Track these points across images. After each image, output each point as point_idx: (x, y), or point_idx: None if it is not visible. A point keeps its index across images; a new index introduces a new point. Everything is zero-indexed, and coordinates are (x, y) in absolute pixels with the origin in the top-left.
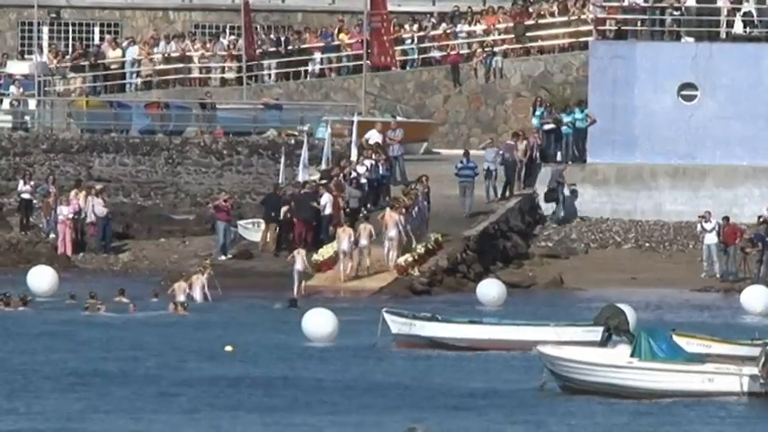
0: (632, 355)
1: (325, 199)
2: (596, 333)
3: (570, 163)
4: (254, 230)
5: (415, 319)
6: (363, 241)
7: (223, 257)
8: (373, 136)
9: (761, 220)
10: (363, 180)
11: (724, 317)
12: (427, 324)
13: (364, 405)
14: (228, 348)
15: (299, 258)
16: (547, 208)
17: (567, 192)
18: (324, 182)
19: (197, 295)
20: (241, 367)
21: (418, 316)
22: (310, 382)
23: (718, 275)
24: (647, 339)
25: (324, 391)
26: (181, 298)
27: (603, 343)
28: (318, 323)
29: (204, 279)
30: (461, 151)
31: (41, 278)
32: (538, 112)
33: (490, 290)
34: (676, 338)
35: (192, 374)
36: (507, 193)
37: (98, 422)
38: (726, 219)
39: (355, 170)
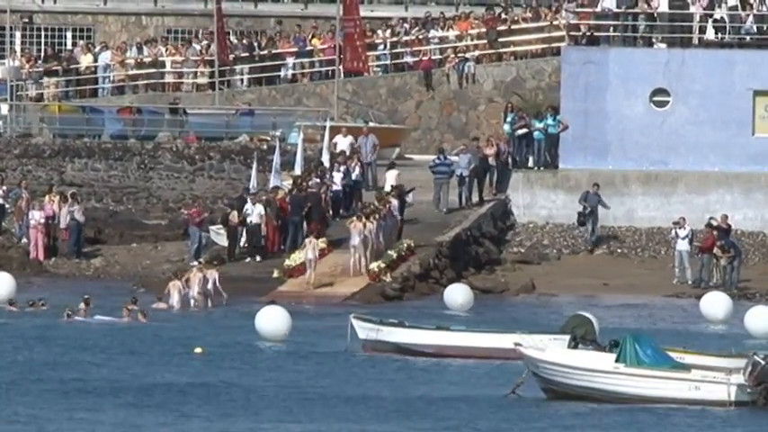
0: (617, 361)
1: (250, 208)
2: (563, 342)
3: (542, 168)
4: (223, 236)
5: (382, 325)
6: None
7: (195, 262)
8: (340, 141)
9: (713, 224)
10: (337, 187)
11: (685, 324)
12: (394, 330)
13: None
14: (198, 350)
15: (311, 247)
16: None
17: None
18: (254, 193)
19: (194, 291)
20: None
21: (386, 322)
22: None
23: (690, 282)
24: (633, 345)
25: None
26: (175, 298)
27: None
28: (271, 321)
29: (214, 275)
30: (434, 157)
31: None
32: (509, 118)
33: (458, 295)
34: None
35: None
36: (477, 198)
37: None
38: (709, 226)
39: (332, 179)
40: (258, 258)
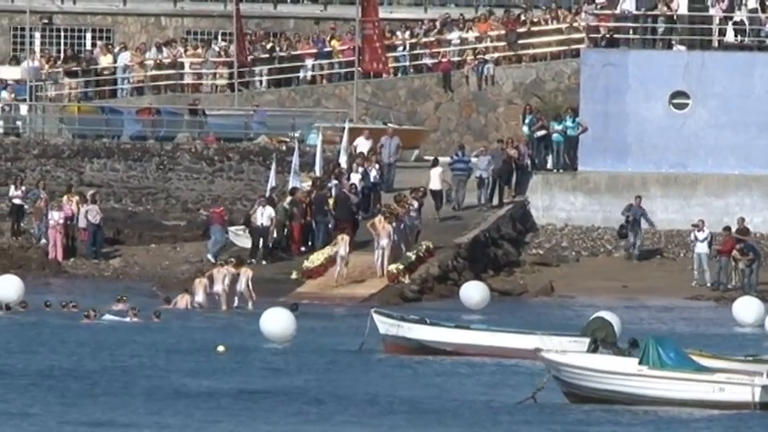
0: (640, 363)
1: (260, 211)
2: (583, 344)
3: (561, 170)
4: (244, 236)
5: (403, 321)
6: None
7: (212, 260)
8: (361, 143)
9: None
10: (346, 189)
11: (715, 328)
12: (415, 327)
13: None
14: (220, 348)
15: (343, 244)
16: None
17: (645, 224)
18: (283, 192)
19: (218, 288)
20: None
21: (407, 318)
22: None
23: (708, 284)
24: (656, 348)
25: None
26: (201, 295)
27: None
28: (276, 322)
29: (249, 274)
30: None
31: (8, 287)
32: (527, 120)
33: (474, 292)
34: None
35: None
36: (497, 199)
37: None
38: (727, 228)
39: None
40: (263, 262)
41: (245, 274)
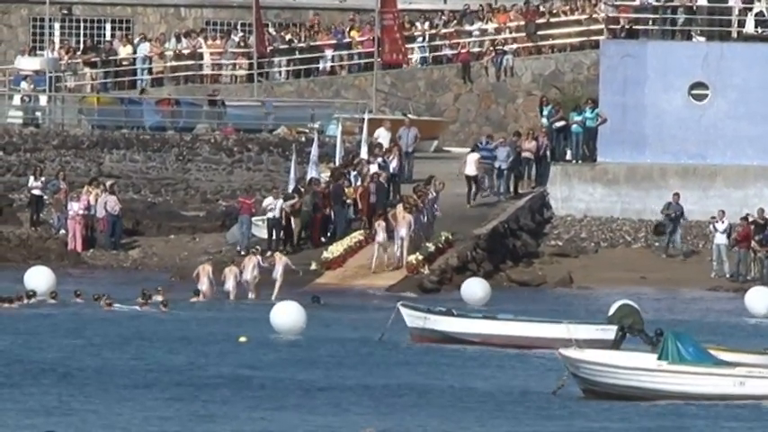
0: (659, 358)
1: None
2: (610, 332)
3: (580, 162)
4: (263, 227)
5: (429, 313)
6: (379, 237)
7: (242, 251)
8: (382, 134)
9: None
10: (382, 178)
11: (728, 317)
12: (441, 318)
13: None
14: (242, 339)
15: (381, 231)
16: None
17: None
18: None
19: (248, 276)
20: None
21: (433, 310)
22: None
23: (727, 275)
24: (675, 342)
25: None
26: (231, 283)
27: (617, 342)
28: (286, 315)
29: (284, 260)
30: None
31: (39, 278)
32: (546, 111)
33: (476, 289)
34: None
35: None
36: (516, 190)
37: None
38: (745, 219)
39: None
40: (269, 253)
41: (281, 260)
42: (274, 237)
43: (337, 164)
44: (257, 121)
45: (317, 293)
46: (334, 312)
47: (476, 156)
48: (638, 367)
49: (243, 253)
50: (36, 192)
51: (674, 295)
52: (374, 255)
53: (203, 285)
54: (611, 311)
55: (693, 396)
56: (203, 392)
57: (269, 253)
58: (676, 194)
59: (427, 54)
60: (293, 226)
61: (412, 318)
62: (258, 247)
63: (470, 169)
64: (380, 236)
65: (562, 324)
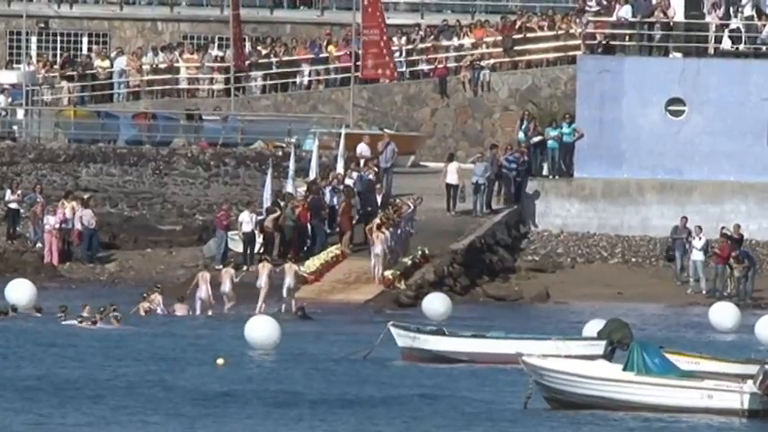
0: (625, 369)
1: (245, 217)
2: (599, 347)
3: (556, 177)
4: (240, 241)
5: (419, 333)
6: (377, 249)
7: (219, 266)
8: (364, 150)
9: (727, 234)
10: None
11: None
12: (430, 338)
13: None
14: (220, 361)
15: (379, 241)
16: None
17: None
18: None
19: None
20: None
21: (422, 329)
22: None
23: (704, 291)
24: (641, 353)
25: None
26: (228, 285)
27: (607, 357)
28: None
29: (294, 268)
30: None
31: (20, 291)
32: (524, 126)
33: (437, 305)
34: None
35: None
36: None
37: None
38: (724, 235)
39: (342, 182)
40: (245, 267)
41: (265, 269)
42: (249, 251)
43: (311, 178)
44: (229, 135)
45: (303, 306)
46: (316, 326)
47: (456, 164)
48: (601, 377)
49: (218, 267)
50: (13, 205)
51: (649, 311)
52: (373, 265)
53: (202, 293)
54: (585, 329)
55: (659, 408)
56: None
57: (245, 267)
58: (684, 218)
59: (404, 69)
60: (276, 239)
61: (402, 337)
62: (231, 260)
63: (451, 178)
64: (378, 248)
65: (551, 341)
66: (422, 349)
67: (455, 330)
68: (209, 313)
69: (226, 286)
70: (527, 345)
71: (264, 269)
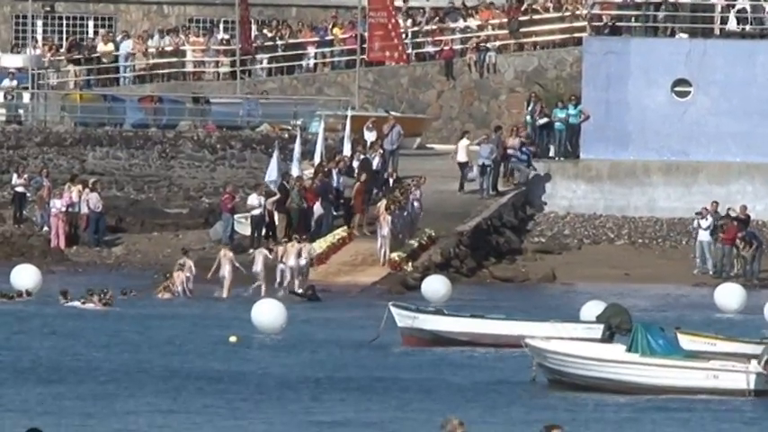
0: (629, 350)
1: (254, 200)
2: (597, 331)
3: (563, 158)
4: (246, 224)
5: (419, 313)
6: (384, 231)
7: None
8: (368, 136)
9: (732, 215)
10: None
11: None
12: (430, 318)
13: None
14: (233, 339)
15: (385, 223)
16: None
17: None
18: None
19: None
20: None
21: (422, 309)
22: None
23: (710, 272)
24: (645, 334)
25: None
26: (260, 265)
27: (605, 341)
28: (267, 313)
29: (308, 247)
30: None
31: (26, 276)
32: (530, 108)
33: (437, 286)
34: (680, 336)
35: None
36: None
37: None
38: (727, 215)
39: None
40: (251, 251)
41: (306, 248)
42: (257, 234)
43: (317, 161)
44: (241, 117)
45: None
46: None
47: (466, 142)
48: (606, 359)
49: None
50: (19, 189)
51: (656, 292)
52: (380, 247)
53: (225, 272)
54: (583, 311)
55: (664, 389)
56: (192, 391)
57: (251, 250)
58: (715, 202)
59: (410, 51)
60: (276, 222)
61: (403, 318)
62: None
63: (461, 156)
64: (385, 229)
65: (550, 323)
66: (421, 329)
67: (455, 311)
68: (226, 295)
69: (290, 261)
70: (526, 326)
71: (294, 248)
